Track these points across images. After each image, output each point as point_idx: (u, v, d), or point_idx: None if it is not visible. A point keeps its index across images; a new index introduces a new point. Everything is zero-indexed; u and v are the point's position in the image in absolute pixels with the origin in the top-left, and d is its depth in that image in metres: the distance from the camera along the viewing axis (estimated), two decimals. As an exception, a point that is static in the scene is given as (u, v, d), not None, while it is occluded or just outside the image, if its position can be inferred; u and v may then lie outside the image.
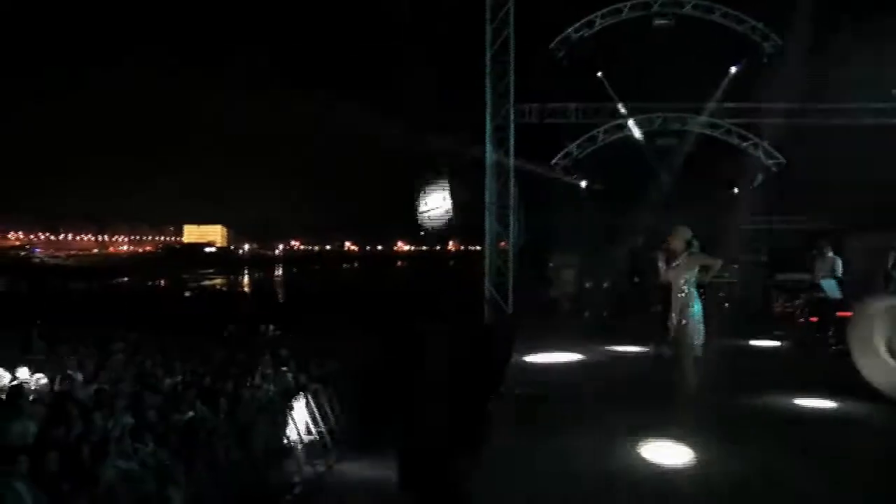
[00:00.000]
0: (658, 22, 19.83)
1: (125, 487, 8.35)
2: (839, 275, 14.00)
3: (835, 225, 17.65)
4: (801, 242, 17.62)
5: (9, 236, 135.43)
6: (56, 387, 12.03)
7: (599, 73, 20.04)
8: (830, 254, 14.22)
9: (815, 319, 14.32)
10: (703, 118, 20.19)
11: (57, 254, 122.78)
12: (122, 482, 8.36)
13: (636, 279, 19.34)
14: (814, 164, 18.81)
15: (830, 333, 13.45)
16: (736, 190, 20.36)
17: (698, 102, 20.17)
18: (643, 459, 7.43)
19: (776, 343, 14.72)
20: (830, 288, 13.68)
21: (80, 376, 12.76)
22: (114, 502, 8.12)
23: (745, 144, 20.15)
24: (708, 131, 20.23)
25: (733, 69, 19.68)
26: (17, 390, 10.84)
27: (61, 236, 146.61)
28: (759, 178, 20.13)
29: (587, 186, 20.79)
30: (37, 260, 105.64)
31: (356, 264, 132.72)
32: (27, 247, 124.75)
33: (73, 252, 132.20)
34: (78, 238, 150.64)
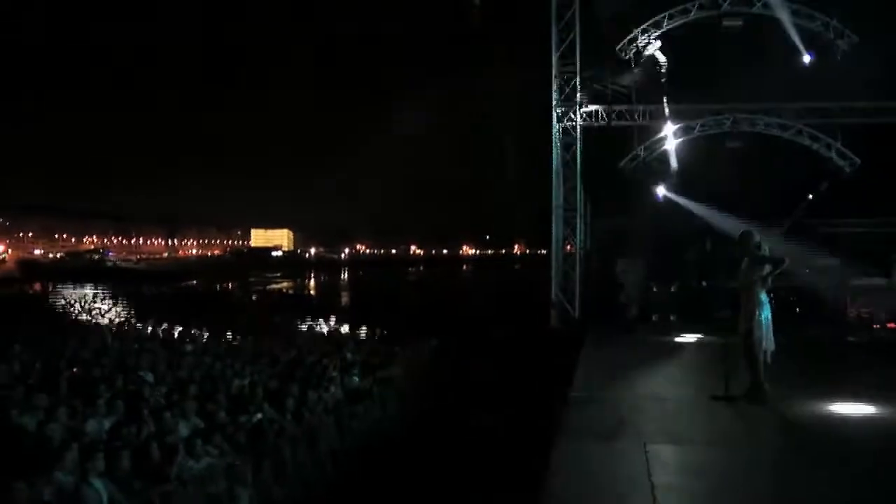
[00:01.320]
0: (727, 23, 19.42)
1: (194, 487, 8.47)
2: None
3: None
4: (877, 246, 17.14)
5: (84, 240, 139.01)
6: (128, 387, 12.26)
7: (663, 70, 19.68)
8: (909, 257, 13.83)
9: (892, 326, 13.91)
10: (774, 119, 19.69)
11: (129, 257, 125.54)
12: (192, 481, 8.48)
13: (703, 283, 19.05)
14: (891, 165, 18.28)
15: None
16: (809, 194, 19.79)
17: (769, 103, 19.69)
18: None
19: (849, 349, 14.32)
20: (909, 293, 13.29)
21: (150, 377, 12.99)
22: (183, 501, 8.23)
23: (816, 146, 19.59)
24: (777, 132, 19.73)
25: (805, 67, 19.06)
26: (94, 389, 11.10)
27: (133, 240, 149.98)
28: (832, 179, 19.53)
29: (655, 189, 20.39)
30: (109, 263, 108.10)
31: (421, 268, 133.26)
32: (101, 250, 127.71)
33: (144, 256, 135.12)
34: (149, 242, 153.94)
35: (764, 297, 9.49)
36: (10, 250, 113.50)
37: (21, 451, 8.20)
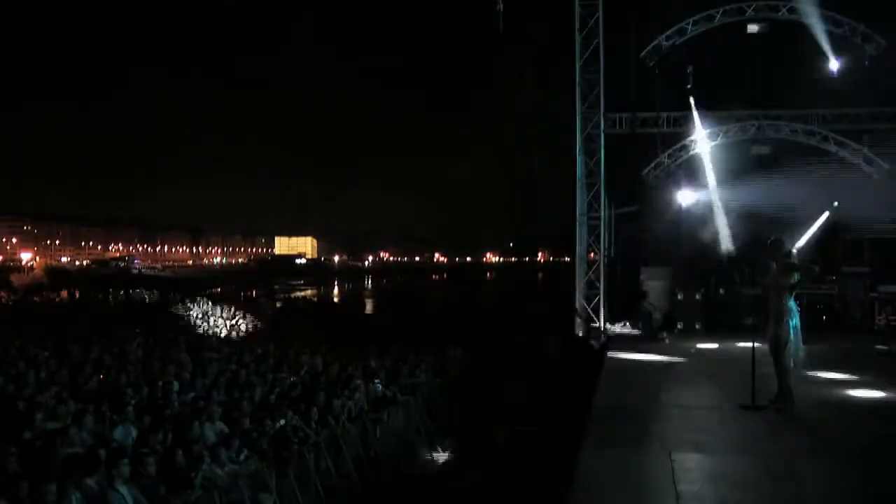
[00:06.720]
0: (752, 28, 19.27)
1: (218, 493, 8.49)
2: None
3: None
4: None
5: (110, 248, 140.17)
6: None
7: (689, 82, 19.53)
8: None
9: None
10: (800, 125, 19.48)
11: (153, 265, 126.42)
12: (216, 487, 8.50)
13: (721, 291, 18.89)
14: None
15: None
16: (836, 202, 19.48)
17: (795, 109, 19.49)
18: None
19: (878, 357, 14.11)
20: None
21: (176, 384, 13.05)
22: (208, 507, 8.27)
23: (843, 152, 19.35)
24: (803, 138, 19.52)
25: (832, 72, 18.83)
26: (122, 397, 11.16)
27: (158, 248, 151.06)
28: (860, 185, 19.26)
29: (679, 196, 20.20)
30: (135, 271, 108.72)
31: (445, 275, 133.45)
32: (126, 258, 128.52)
33: (169, 263, 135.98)
34: (174, 250, 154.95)
35: (793, 304, 9.42)
36: (37, 258, 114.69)
37: (51, 456, 8.26)
